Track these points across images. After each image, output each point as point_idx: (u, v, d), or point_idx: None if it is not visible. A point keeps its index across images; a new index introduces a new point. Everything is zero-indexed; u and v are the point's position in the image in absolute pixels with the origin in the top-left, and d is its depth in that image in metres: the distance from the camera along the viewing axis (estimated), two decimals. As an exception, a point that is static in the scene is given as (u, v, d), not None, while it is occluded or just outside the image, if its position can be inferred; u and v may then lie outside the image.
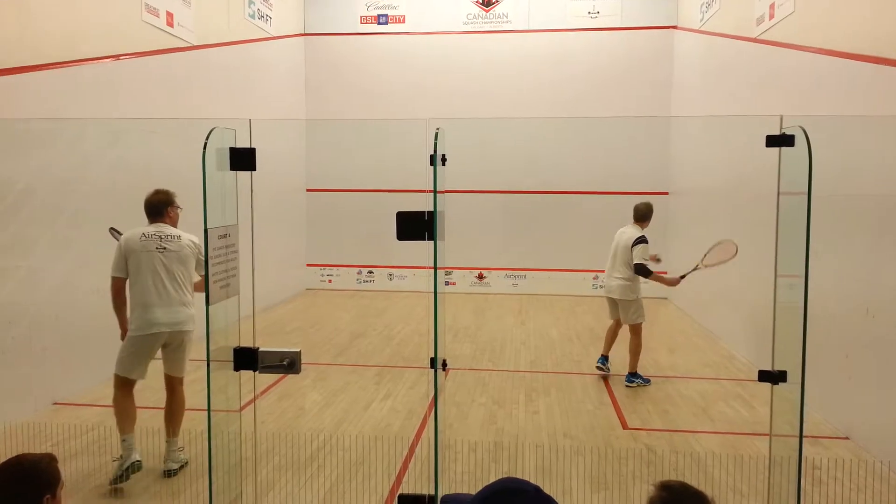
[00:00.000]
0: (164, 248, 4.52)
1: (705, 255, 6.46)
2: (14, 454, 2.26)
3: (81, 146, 6.44)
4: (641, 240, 6.70)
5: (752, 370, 7.07)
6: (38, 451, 2.30)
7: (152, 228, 4.60)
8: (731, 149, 8.59)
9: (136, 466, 4.31)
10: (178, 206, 4.73)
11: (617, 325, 7.04)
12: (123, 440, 4.41)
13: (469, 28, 12.65)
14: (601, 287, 12.51)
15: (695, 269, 6.52)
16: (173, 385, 4.70)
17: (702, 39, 10.41)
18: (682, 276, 6.67)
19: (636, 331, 6.78)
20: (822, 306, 3.53)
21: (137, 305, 4.49)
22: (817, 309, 3.04)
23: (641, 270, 6.65)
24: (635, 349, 6.71)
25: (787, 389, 3.04)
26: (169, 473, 4.45)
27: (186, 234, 4.65)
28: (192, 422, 5.23)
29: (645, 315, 6.86)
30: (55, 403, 5.92)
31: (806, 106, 6.35)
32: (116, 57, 6.96)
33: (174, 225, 4.70)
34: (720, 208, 9.10)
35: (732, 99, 8.90)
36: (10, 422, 5.12)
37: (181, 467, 4.53)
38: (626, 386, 6.57)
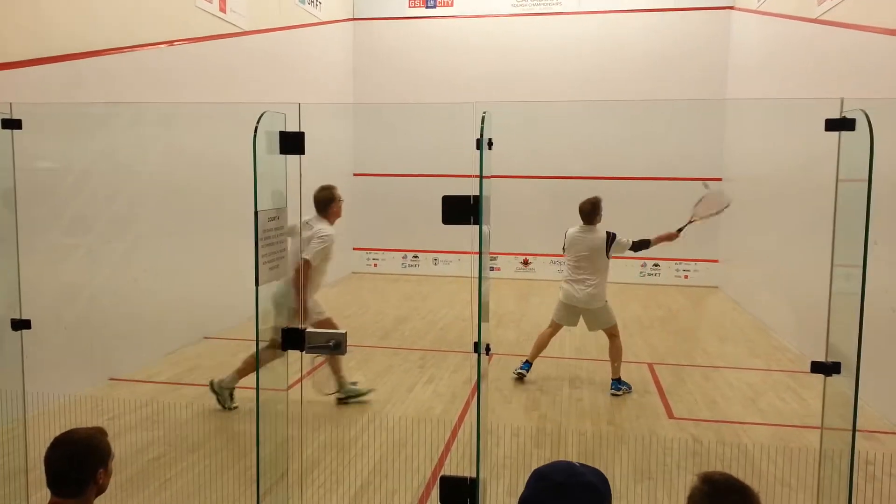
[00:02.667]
0: None
1: (696, 207, 6.23)
2: (69, 427, 2.36)
3: (138, 130, 6.64)
4: (614, 236, 6.28)
5: (804, 362, 6.88)
6: (92, 426, 2.39)
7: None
8: (789, 133, 8.32)
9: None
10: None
11: (553, 331, 6.49)
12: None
13: (518, 11, 12.51)
14: (649, 275, 12.43)
15: (689, 222, 6.25)
16: None
17: (760, 20, 10.08)
18: (680, 230, 6.26)
19: (614, 333, 6.28)
20: (879, 297, 3.41)
21: None
22: (874, 299, 2.94)
23: (642, 245, 6.24)
24: (617, 353, 6.19)
25: (841, 381, 2.96)
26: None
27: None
28: (241, 399, 5.39)
29: (615, 316, 6.35)
30: (111, 379, 6.15)
31: (869, 89, 6.10)
32: (171, 42, 7.12)
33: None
34: (776, 195, 8.83)
35: (791, 82, 8.61)
36: (69, 395, 5.34)
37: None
38: (613, 394, 5.99)
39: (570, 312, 6.39)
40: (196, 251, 7.52)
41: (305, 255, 5.21)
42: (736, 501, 1.72)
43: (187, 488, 4.13)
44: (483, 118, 2.97)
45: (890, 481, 4.23)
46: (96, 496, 2.30)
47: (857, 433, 2.87)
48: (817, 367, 3.11)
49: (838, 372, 3.04)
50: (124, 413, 5.24)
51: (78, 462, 2.23)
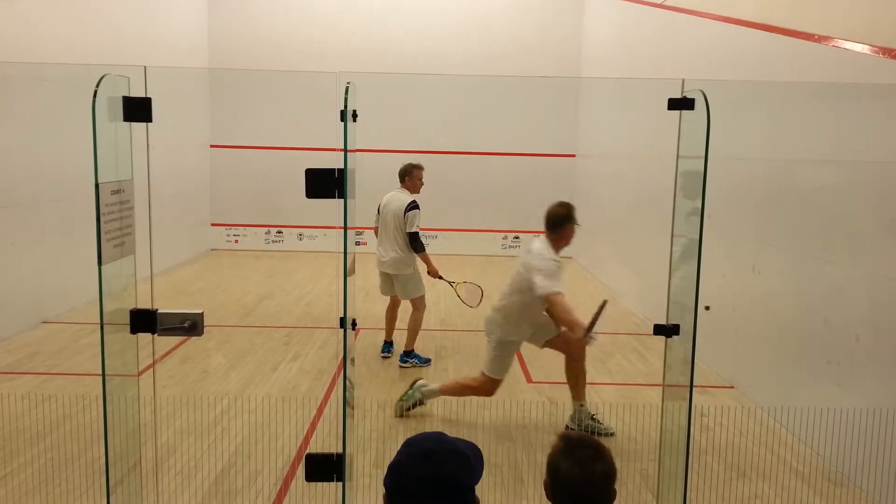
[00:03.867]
0: None
1: (464, 287, 6.14)
2: None
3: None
4: (413, 205, 6.07)
5: (647, 326, 7.43)
6: None
7: None
8: (636, 112, 8.87)
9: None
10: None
11: (395, 303, 6.38)
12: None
13: (382, -19, 12.34)
14: (510, 247, 12.87)
15: (452, 282, 6.20)
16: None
17: (611, 3, 10.60)
18: (440, 277, 6.14)
19: (417, 305, 6.17)
20: (713, 264, 3.73)
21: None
22: (708, 266, 3.21)
23: (416, 241, 6.01)
24: (415, 326, 6.11)
25: (680, 342, 3.21)
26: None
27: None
28: (87, 387, 5.01)
29: (424, 287, 6.24)
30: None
31: (709, 72, 6.61)
32: (-7, -6, 6.36)
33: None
34: (624, 170, 9.41)
35: (639, 63, 9.15)
36: None
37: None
38: (401, 366, 6.00)
39: (383, 279, 6.27)
40: (32, 227, 6.86)
41: (556, 289, 4.38)
42: (590, 455, 1.83)
43: (26, 485, 3.80)
44: (347, 89, 2.90)
45: (721, 431, 4.70)
46: None
47: (693, 389, 3.14)
48: (659, 330, 3.36)
49: (678, 334, 3.30)
50: None
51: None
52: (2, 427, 4.44)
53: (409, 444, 1.65)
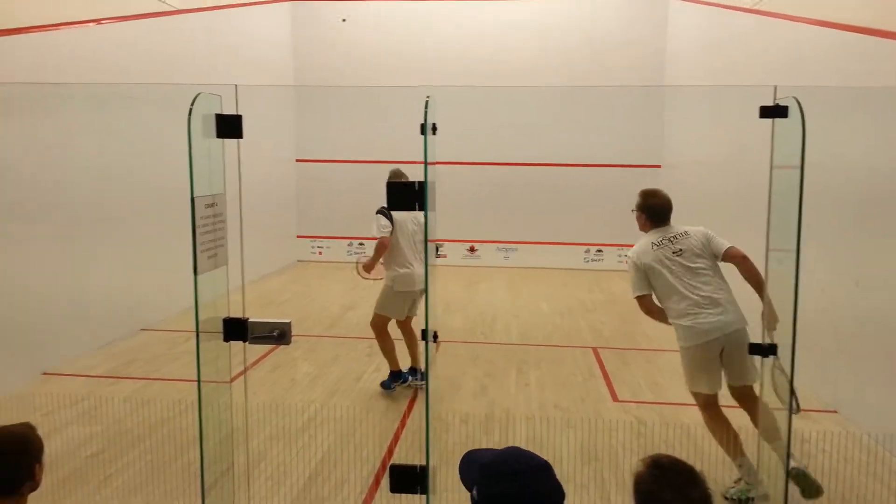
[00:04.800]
0: (681, 251, 4.12)
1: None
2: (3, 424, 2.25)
3: (68, 113, 6.33)
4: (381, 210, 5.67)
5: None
6: (19, 422, 2.29)
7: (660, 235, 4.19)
8: (725, 121, 8.55)
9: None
10: None
11: (407, 323, 5.76)
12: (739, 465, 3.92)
13: (460, -5, 12.46)
14: (593, 261, 12.63)
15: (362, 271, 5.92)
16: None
17: (697, 9, 10.29)
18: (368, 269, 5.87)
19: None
20: (812, 279, 3.53)
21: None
22: (807, 282, 3.03)
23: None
24: (416, 343, 5.62)
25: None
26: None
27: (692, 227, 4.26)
28: (182, 392, 5.24)
29: None
30: (44, 374, 5.90)
31: (801, 79, 6.30)
32: (99, 21, 6.80)
33: None
34: (713, 181, 9.08)
35: (727, 70, 8.83)
36: (1, 392, 5.09)
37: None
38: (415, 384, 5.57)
39: (406, 300, 5.68)
40: (132, 239, 7.26)
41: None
42: (685, 482, 1.75)
43: (129, 484, 3.99)
44: (427, 102, 2.93)
45: (823, 457, 4.41)
46: (30, 492, 2.21)
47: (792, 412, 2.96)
48: (755, 349, 3.21)
49: (775, 353, 3.14)
50: (59, 408, 5.03)
51: (15, 458, 2.16)
52: (106, 429, 4.70)
53: (492, 469, 1.65)
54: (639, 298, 4.12)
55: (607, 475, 4.18)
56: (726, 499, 3.91)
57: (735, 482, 3.97)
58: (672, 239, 4.17)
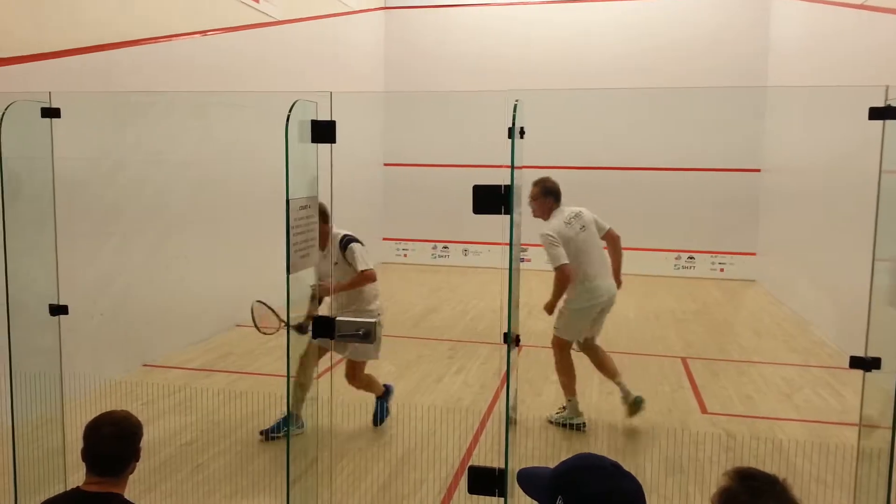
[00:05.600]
0: (583, 227, 4.99)
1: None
2: (103, 411, 2.40)
3: (171, 120, 6.72)
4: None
5: (842, 358, 6.70)
6: (120, 409, 2.43)
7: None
8: (831, 123, 8.11)
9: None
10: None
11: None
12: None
13: (550, -1, 12.37)
14: (683, 268, 12.24)
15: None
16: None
17: (802, 6, 9.81)
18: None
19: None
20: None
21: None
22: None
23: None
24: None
25: (881, 378, 2.87)
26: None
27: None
28: (272, 386, 5.44)
29: None
30: (144, 365, 6.27)
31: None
32: (204, 33, 7.19)
33: None
34: (817, 186, 8.62)
35: (834, 70, 8.37)
36: (104, 380, 5.45)
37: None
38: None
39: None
40: (228, 239, 7.61)
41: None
42: (778, 493, 1.68)
43: (219, 473, 4.19)
44: (515, 107, 2.93)
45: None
46: (129, 475, 2.34)
47: (898, 431, 2.78)
48: (856, 363, 3.03)
49: (878, 367, 2.95)
50: (157, 398, 5.33)
51: (125, 441, 2.29)
52: (200, 419, 4.95)
53: (570, 473, 1.63)
54: (562, 267, 4.83)
55: (692, 488, 4.05)
56: (550, 422, 5.01)
57: (559, 410, 5.08)
58: (574, 217, 5.00)
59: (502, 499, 2.84)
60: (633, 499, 1.56)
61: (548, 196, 5.01)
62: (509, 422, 2.95)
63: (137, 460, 2.34)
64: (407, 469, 4.25)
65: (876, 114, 2.83)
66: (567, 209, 5.03)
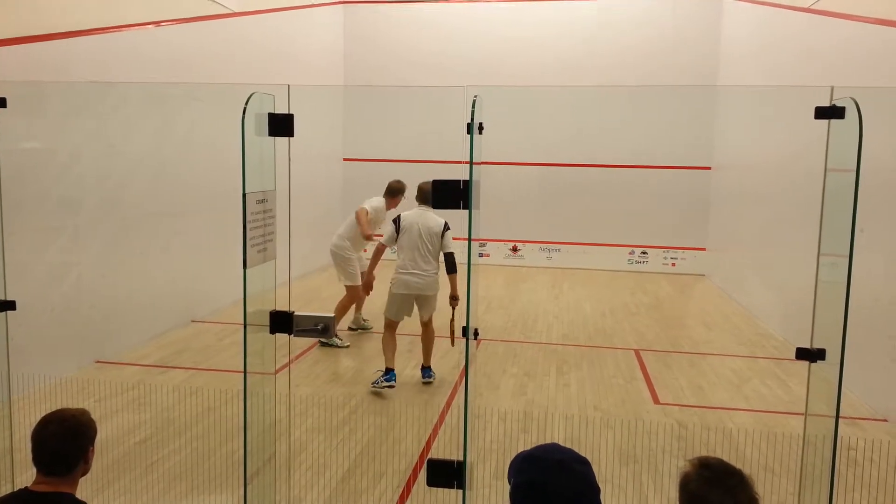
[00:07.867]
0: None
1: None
2: (54, 410, 2.35)
3: (125, 111, 6.56)
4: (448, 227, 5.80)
5: (789, 349, 6.95)
6: (76, 407, 2.38)
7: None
8: (779, 123, 8.36)
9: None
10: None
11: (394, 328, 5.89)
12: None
13: (510, -4, 12.44)
14: (637, 262, 12.49)
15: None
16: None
17: (752, 9, 10.08)
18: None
19: (431, 321, 5.91)
20: (865, 286, 3.44)
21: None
22: (860, 288, 2.96)
23: (454, 261, 5.66)
24: (431, 340, 5.90)
25: (825, 368, 2.99)
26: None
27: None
28: (229, 383, 5.38)
29: None
30: (97, 361, 6.12)
31: (859, 79, 6.12)
32: (158, 23, 7.02)
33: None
34: (765, 183, 8.88)
35: (782, 71, 8.63)
36: (55, 378, 5.30)
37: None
38: (425, 383, 5.74)
39: (406, 302, 5.85)
40: (184, 234, 7.48)
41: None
42: (735, 484, 1.74)
43: (174, 471, 4.13)
44: (474, 102, 2.95)
45: (871, 467, 4.29)
46: (81, 476, 2.29)
47: (839, 419, 2.90)
48: (802, 354, 3.14)
49: (823, 359, 3.06)
50: (111, 395, 5.22)
51: (72, 439, 2.24)
52: (154, 417, 4.86)
53: (533, 459, 1.68)
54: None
55: (645, 477, 4.15)
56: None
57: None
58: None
59: (461, 491, 2.87)
60: (569, 497, 1.62)
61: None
62: (468, 415, 2.98)
63: (89, 460, 2.29)
64: (366, 462, 4.25)
65: (821, 113, 2.94)
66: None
